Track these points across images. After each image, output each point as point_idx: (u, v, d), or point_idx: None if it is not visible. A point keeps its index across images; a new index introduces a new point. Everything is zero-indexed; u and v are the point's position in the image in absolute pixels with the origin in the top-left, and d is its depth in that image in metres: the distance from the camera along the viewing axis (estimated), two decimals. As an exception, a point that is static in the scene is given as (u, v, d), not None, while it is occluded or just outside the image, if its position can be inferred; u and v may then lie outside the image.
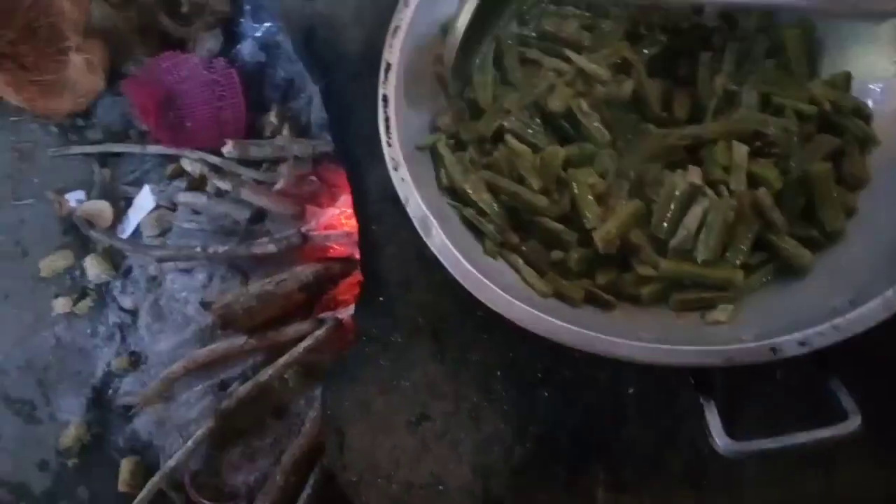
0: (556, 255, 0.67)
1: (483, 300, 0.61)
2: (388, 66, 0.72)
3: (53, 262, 1.47)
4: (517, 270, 0.67)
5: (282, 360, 1.14)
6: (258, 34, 1.54)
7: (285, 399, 1.18)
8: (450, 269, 0.62)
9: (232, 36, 1.57)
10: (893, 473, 0.64)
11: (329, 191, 1.30)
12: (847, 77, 0.70)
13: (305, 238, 1.20)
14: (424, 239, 0.64)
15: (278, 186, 1.30)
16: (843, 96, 0.69)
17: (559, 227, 0.67)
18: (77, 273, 1.46)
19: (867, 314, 0.55)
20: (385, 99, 0.71)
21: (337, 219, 1.23)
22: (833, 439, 0.55)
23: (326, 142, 1.34)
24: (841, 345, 0.54)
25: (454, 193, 0.70)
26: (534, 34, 0.77)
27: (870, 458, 0.64)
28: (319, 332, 1.14)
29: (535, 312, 0.59)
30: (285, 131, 1.42)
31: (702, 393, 0.58)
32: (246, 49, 1.53)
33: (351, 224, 1.20)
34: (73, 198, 1.53)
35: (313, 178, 1.31)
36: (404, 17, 0.74)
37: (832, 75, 0.71)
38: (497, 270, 0.65)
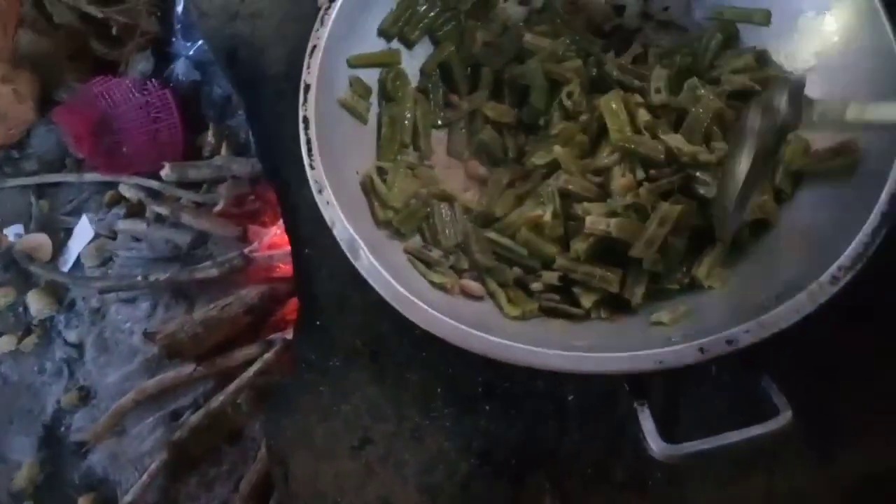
0: (516, 272, 0.68)
1: (415, 320, 0.60)
2: (308, 86, 0.71)
3: (-5, 300, 1.43)
4: (492, 295, 0.67)
5: (232, 386, 1.13)
6: (191, 53, 1.51)
7: (239, 424, 1.16)
8: (380, 291, 0.61)
9: (164, 56, 1.54)
10: (830, 468, 0.64)
11: (271, 209, 1.28)
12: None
13: (248, 259, 1.18)
14: (353, 262, 0.63)
15: (218, 208, 1.28)
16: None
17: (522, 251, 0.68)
18: (20, 309, 1.42)
19: (792, 309, 0.55)
20: (306, 121, 0.69)
21: (280, 237, 1.21)
22: (766, 436, 0.55)
23: (258, 161, 1.32)
24: (773, 341, 0.54)
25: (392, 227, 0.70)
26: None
27: (807, 455, 0.65)
28: (269, 355, 1.12)
29: (467, 329, 0.59)
30: (224, 150, 1.40)
31: (636, 398, 0.58)
32: (179, 68, 1.51)
33: (291, 244, 1.19)
34: (12, 232, 1.49)
35: (254, 197, 1.29)
36: (322, 37, 0.73)
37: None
38: (428, 289, 0.65)
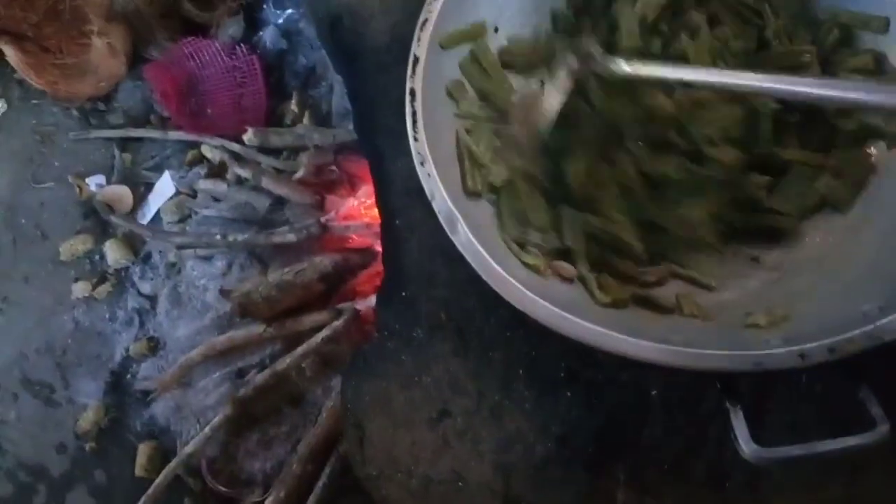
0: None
1: (508, 299, 0.60)
2: (416, 59, 0.71)
3: (73, 246, 1.48)
4: (582, 280, 0.66)
5: (299, 350, 1.15)
6: (280, 21, 1.54)
7: (302, 388, 1.19)
8: (475, 267, 0.62)
9: (254, 22, 1.57)
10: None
11: (349, 181, 1.29)
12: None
13: (325, 228, 1.20)
14: (450, 236, 0.63)
15: (298, 175, 1.30)
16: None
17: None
18: (96, 257, 1.47)
19: (897, 322, 0.54)
20: (412, 93, 0.70)
21: (357, 209, 1.22)
22: (860, 447, 0.54)
23: (347, 131, 1.33)
24: (870, 352, 0.54)
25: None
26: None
27: (894, 464, 0.63)
28: (337, 323, 1.14)
29: (561, 312, 0.59)
30: (306, 119, 1.42)
31: (728, 398, 0.57)
32: (267, 36, 1.53)
33: (371, 215, 1.20)
34: (94, 182, 1.54)
35: (333, 167, 1.31)
36: (434, 10, 0.73)
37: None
38: (521, 269, 0.65)
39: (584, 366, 0.69)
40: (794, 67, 0.70)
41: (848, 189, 0.67)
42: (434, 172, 0.66)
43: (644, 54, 0.73)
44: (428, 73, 0.71)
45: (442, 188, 0.65)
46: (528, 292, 0.60)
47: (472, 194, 0.69)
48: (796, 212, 0.68)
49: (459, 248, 0.63)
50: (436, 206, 0.65)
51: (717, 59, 0.72)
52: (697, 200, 0.68)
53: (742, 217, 0.68)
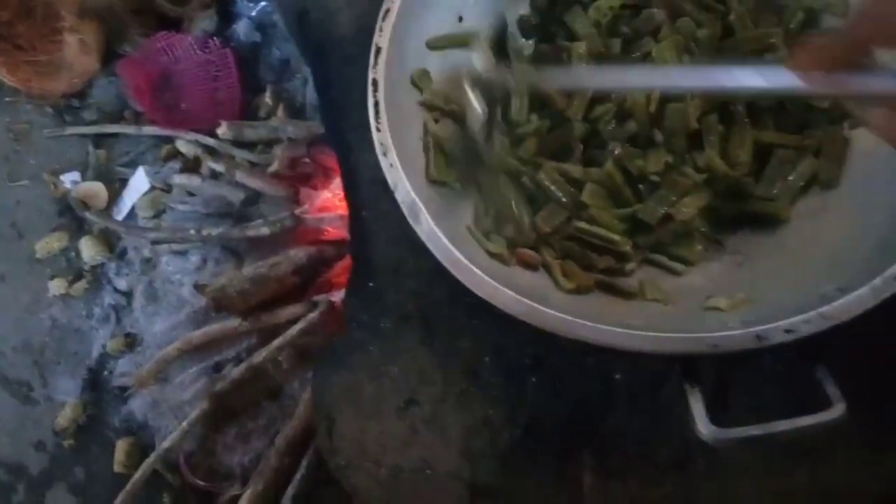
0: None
1: (471, 287, 0.60)
2: (379, 49, 0.71)
3: (49, 244, 1.47)
4: (546, 268, 0.67)
5: (275, 343, 1.15)
6: (253, 14, 1.53)
7: (279, 381, 1.19)
8: (438, 256, 0.62)
9: (227, 16, 1.56)
10: (881, 464, 0.64)
11: (323, 173, 1.29)
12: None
13: (299, 220, 1.20)
14: (413, 226, 0.63)
15: (272, 168, 1.30)
16: None
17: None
18: (72, 254, 1.46)
19: (854, 302, 0.54)
20: (374, 83, 0.70)
21: (331, 201, 1.22)
22: (817, 427, 0.55)
23: (321, 123, 1.33)
24: (830, 332, 0.54)
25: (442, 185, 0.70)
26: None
27: (858, 448, 0.64)
28: (313, 315, 1.14)
29: (523, 300, 0.59)
30: (280, 112, 1.41)
31: (687, 380, 0.58)
32: (241, 29, 1.52)
33: (345, 206, 1.20)
34: (69, 179, 1.53)
35: (307, 160, 1.31)
36: (395, 1, 0.73)
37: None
38: (485, 257, 0.65)
39: (550, 352, 0.70)
40: (761, 51, 0.71)
41: (832, 166, 0.67)
42: (397, 162, 0.66)
43: (604, 57, 0.73)
44: (391, 64, 0.71)
45: (405, 178, 0.65)
46: (490, 280, 0.60)
47: (435, 183, 0.69)
48: (786, 196, 0.68)
49: (423, 238, 0.63)
50: (398, 196, 0.65)
51: (683, 54, 0.71)
52: (688, 197, 0.67)
53: (733, 206, 0.68)
